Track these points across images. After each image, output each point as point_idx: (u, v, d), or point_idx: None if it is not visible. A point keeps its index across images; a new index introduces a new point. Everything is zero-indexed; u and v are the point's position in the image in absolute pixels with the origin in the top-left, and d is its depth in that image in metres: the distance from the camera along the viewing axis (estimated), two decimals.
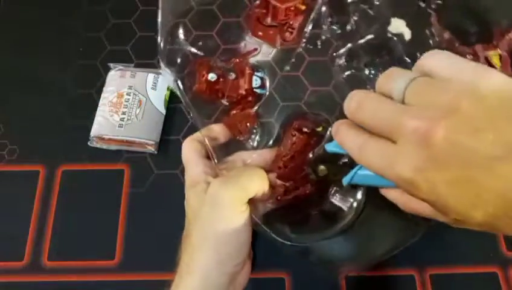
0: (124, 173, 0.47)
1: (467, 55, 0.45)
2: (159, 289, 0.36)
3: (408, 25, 0.47)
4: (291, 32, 0.45)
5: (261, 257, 0.43)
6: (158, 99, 0.48)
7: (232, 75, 0.42)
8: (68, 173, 0.48)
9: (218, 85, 0.41)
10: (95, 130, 0.47)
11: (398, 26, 0.48)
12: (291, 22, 0.45)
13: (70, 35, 0.54)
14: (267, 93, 0.43)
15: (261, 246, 0.43)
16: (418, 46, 0.46)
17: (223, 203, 0.34)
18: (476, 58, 0.45)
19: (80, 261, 0.44)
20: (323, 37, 0.47)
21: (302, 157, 0.38)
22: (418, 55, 0.44)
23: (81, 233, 0.45)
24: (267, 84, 0.43)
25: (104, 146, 0.47)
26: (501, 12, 0.46)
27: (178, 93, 0.41)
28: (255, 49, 0.45)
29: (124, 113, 0.47)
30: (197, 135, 0.40)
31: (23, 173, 0.48)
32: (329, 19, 0.47)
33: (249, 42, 0.45)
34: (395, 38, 0.47)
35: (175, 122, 0.49)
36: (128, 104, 0.47)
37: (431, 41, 0.46)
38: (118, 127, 0.46)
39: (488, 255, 0.44)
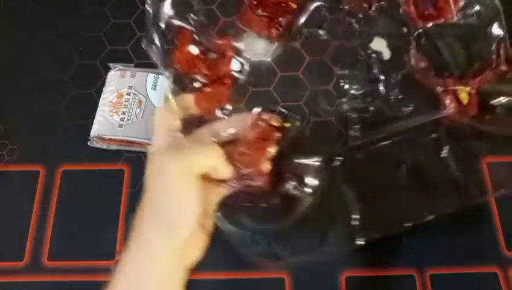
0: (124, 173, 0.47)
1: (438, 87, 0.46)
2: None
3: (389, 46, 0.48)
4: (278, 29, 0.45)
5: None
6: (158, 99, 0.48)
7: (213, 55, 0.42)
8: (68, 173, 0.48)
9: (198, 60, 0.41)
10: (95, 130, 0.47)
11: (379, 44, 0.49)
12: (279, 19, 0.45)
13: (70, 35, 0.54)
14: (243, 78, 0.43)
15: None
16: (394, 67, 0.47)
17: (168, 173, 0.34)
18: (445, 90, 0.45)
19: (80, 261, 0.44)
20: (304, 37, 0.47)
21: (263, 148, 0.39)
22: (394, 76, 0.46)
23: (81, 233, 0.45)
24: (245, 69, 0.43)
25: (104, 146, 0.47)
26: (475, 53, 0.46)
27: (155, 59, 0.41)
28: (238, 35, 0.45)
29: (124, 113, 0.47)
30: (170, 106, 0.40)
31: (23, 173, 0.48)
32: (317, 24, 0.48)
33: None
34: (373, 55, 0.48)
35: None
36: (128, 104, 0.47)
37: (407, 66, 0.47)
38: (118, 127, 0.46)
39: (488, 255, 0.44)
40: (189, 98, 0.40)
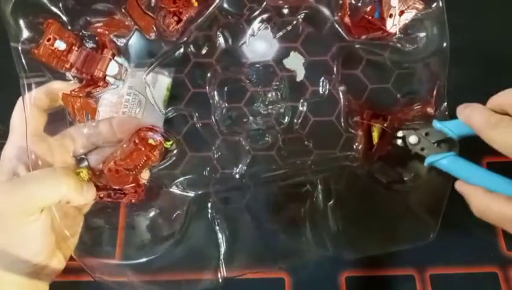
0: None
1: (355, 115, 0.44)
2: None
3: (307, 64, 0.45)
4: (177, 22, 0.41)
5: (261, 257, 0.43)
6: (158, 99, 0.48)
7: (89, 45, 0.38)
8: None
9: (69, 55, 0.36)
10: None
11: (294, 62, 0.45)
12: (181, 11, 0.41)
13: None
14: (121, 86, 0.39)
15: (261, 246, 0.43)
16: (302, 91, 0.45)
17: (5, 213, 0.30)
18: (360, 121, 0.43)
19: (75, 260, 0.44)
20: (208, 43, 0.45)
21: (136, 167, 0.36)
22: (300, 103, 0.44)
23: (81, 233, 0.45)
24: (125, 76, 0.39)
25: None
26: (407, 84, 0.44)
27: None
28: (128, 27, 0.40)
29: (124, 113, 0.47)
30: (37, 96, 0.36)
31: None
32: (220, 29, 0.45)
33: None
34: (281, 73, 0.45)
35: (175, 122, 0.49)
36: (128, 104, 0.47)
37: (320, 90, 0.45)
38: None
39: (488, 255, 0.44)
40: (59, 86, 0.36)
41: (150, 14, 0.41)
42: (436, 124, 0.39)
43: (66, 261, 0.36)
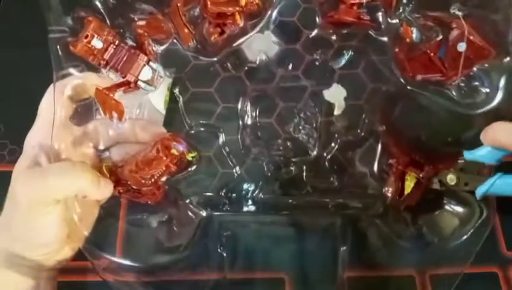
0: None
1: (390, 161, 0.41)
2: None
3: (347, 99, 0.43)
4: (220, 34, 0.41)
5: (261, 257, 0.43)
6: (158, 99, 0.48)
7: (128, 43, 0.38)
8: None
9: (105, 53, 0.37)
10: None
11: (336, 95, 0.43)
12: (225, 23, 0.41)
13: None
14: (153, 91, 0.39)
15: (261, 246, 0.43)
16: (340, 124, 0.42)
17: (20, 203, 0.31)
18: (395, 167, 0.41)
19: (80, 261, 0.44)
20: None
21: (153, 177, 0.37)
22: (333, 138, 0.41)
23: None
24: (159, 82, 0.39)
25: None
26: (453, 136, 0.40)
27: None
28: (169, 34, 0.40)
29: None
30: (69, 86, 0.36)
31: None
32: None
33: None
34: (320, 105, 0.42)
35: (175, 122, 0.49)
36: (128, 104, 0.47)
37: (358, 131, 0.42)
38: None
39: (488, 255, 0.44)
40: (93, 80, 0.37)
41: (189, 27, 0.41)
42: (467, 155, 0.37)
43: (74, 252, 0.36)
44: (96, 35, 0.36)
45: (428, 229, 0.40)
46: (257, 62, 0.45)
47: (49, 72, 0.53)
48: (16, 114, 0.51)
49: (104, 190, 0.34)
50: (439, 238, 0.40)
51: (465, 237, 0.39)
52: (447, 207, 0.41)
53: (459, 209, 0.40)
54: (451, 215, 0.40)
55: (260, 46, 0.45)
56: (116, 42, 0.37)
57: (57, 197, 0.31)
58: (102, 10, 0.39)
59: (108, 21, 0.39)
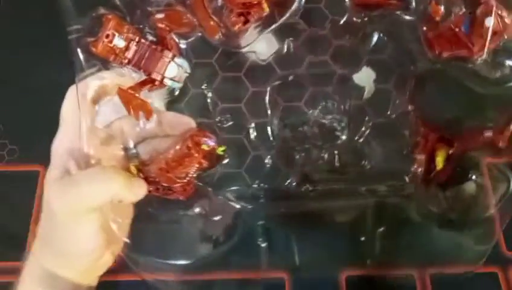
0: None
1: (420, 139, 0.41)
2: None
3: (377, 80, 0.43)
4: (244, 23, 0.39)
5: (260, 257, 0.43)
6: (158, 99, 0.48)
7: (148, 39, 0.36)
8: None
9: (127, 52, 0.35)
10: None
11: (365, 78, 0.43)
12: (249, 11, 0.39)
13: None
14: (178, 88, 0.38)
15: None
16: (373, 107, 0.42)
17: (56, 211, 0.30)
18: (424, 143, 0.41)
19: None
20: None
21: (187, 175, 0.36)
22: (366, 118, 0.42)
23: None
24: (184, 78, 0.38)
25: None
26: (482, 111, 0.40)
27: None
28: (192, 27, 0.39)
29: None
30: (91, 88, 0.34)
31: (23, 173, 0.48)
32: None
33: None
34: (350, 90, 0.42)
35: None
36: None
37: (389, 112, 0.42)
38: None
39: (488, 255, 0.44)
40: (114, 80, 0.35)
41: (215, 19, 0.40)
42: None
43: (114, 256, 0.35)
44: (117, 34, 0.35)
45: (461, 203, 0.40)
46: (284, 50, 0.44)
47: (49, 72, 0.53)
48: (15, 114, 0.51)
49: (138, 190, 0.33)
50: (470, 211, 0.41)
51: (496, 207, 0.39)
52: (477, 180, 0.41)
53: (488, 181, 0.41)
54: (480, 188, 0.40)
55: (287, 35, 0.45)
56: (137, 39, 0.36)
57: (92, 206, 0.31)
58: (119, 4, 0.37)
59: (127, 17, 0.37)
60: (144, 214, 0.38)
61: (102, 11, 0.36)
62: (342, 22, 0.44)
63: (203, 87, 0.44)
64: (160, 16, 0.37)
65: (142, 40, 0.36)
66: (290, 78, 0.44)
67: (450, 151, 0.39)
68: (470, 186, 0.40)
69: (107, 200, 0.31)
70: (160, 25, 0.37)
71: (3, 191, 0.47)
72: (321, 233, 0.42)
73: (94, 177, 0.31)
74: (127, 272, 0.38)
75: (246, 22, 0.40)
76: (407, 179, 0.42)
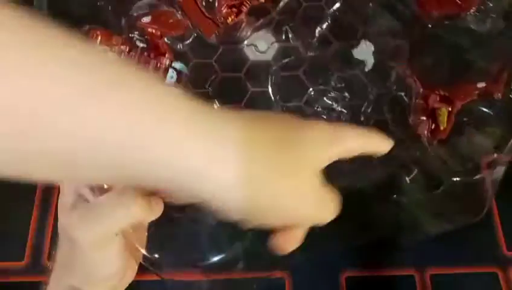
0: None
1: (420, 101, 0.42)
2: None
3: (376, 53, 0.43)
4: (237, 15, 0.39)
5: (261, 257, 0.43)
6: None
7: (139, 46, 0.35)
8: None
9: None
10: None
11: (365, 51, 0.43)
12: (240, 2, 0.39)
13: None
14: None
15: (261, 246, 0.43)
16: (374, 79, 0.43)
17: (80, 245, 0.30)
18: (425, 106, 0.42)
19: None
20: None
21: None
22: (369, 90, 0.42)
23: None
24: (184, 81, 0.37)
25: None
26: (476, 62, 0.41)
27: None
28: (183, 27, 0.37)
29: None
30: None
31: None
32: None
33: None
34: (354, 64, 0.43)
35: None
36: None
37: (392, 78, 0.43)
38: None
39: (488, 255, 0.44)
40: None
41: (210, 16, 0.38)
42: None
43: (135, 271, 0.36)
44: (106, 47, 0.34)
45: (467, 154, 0.41)
46: (283, 37, 0.44)
47: None
48: None
49: (156, 208, 0.32)
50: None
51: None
52: (480, 131, 0.42)
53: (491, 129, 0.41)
54: (486, 136, 0.41)
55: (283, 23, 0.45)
56: (128, 48, 0.35)
57: (114, 232, 0.31)
58: (103, 17, 0.36)
59: (112, 27, 0.36)
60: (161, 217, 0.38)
61: (87, 27, 0.35)
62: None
63: (203, 87, 0.44)
64: (146, 19, 0.36)
65: (134, 49, 0.35)
66: (286, 60, 0.44)
67: (450, 109, 0.40)
68: (478, 138, 0.41)
69: (128, 224, 0.31)
70: (150, 30, 0.36)
71: (3, 191, 0.47)
72: (321, 233, 0.42)
73: (115, 203, 0.30)
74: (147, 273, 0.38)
75: (239, 12, 0.39)
76: (411, 143, 0.42)
